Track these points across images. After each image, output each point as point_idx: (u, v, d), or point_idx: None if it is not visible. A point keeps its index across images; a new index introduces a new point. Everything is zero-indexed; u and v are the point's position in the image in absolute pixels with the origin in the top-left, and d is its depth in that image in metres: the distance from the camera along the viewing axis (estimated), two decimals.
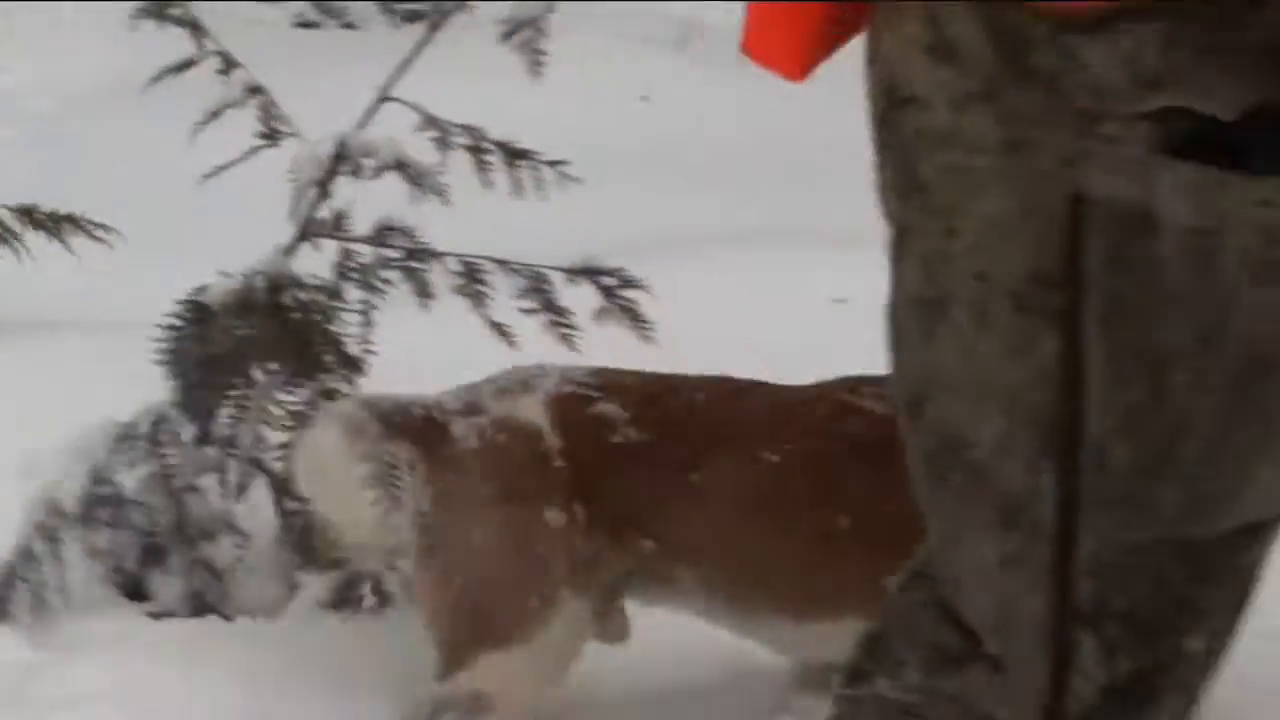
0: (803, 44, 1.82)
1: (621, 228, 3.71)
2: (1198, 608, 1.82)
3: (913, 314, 1.79)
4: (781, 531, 2.55)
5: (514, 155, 2.86)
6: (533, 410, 2.58)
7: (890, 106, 1.75)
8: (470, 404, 2.59)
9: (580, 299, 2.87)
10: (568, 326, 2.86)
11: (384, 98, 2.92)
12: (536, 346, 2.88)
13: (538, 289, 2.86)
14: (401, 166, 2.84)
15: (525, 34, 2.84)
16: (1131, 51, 1.59)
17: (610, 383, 2.61)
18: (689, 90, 5.60)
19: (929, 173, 1.73)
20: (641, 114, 5.43)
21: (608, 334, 2.88)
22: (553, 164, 2.87)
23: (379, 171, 2.86)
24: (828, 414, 2.58)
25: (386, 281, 2.88)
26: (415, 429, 2.59)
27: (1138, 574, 1.79)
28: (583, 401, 2.58)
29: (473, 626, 2.57)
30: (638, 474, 2.58)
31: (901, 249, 1.79)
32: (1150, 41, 1.58)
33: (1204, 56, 1.61)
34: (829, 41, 1.82)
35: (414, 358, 3.04)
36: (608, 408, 2.58)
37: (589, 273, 2.83)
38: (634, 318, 2.83)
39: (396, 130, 2.90)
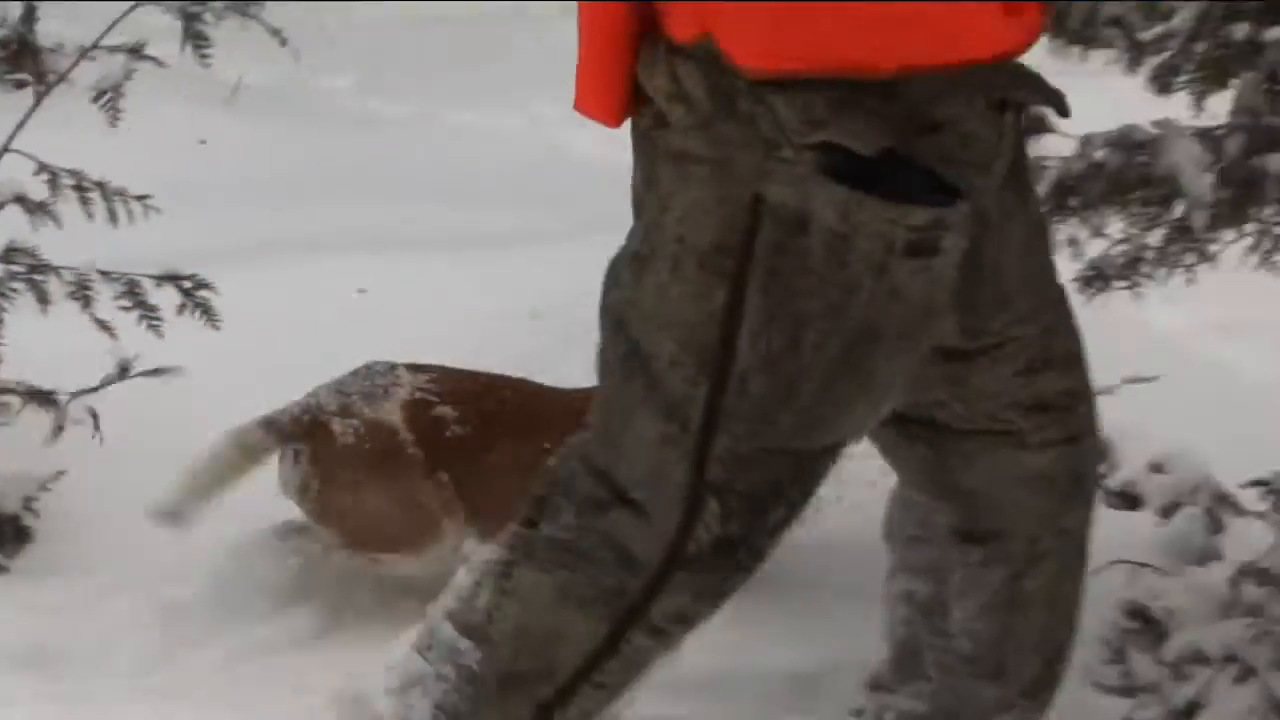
0: (614, 103, 2.02)
1: (194, 242, 3.98)
2: (788, 495, 2.08)
3: (630, 264, 2.02)
4: None
5: (109, 191, 3.19)
6: (392, 414, 2.95)
7: (653, 126, 1.97)
8: (344, 406, 2.96)
9: (166, 298, 3.17)
10: (156, 320, 3.17)
11: (4, 150, 3.26)
12: (133, 336, 3.18)
13: (132, 292, 3.18)
14: (21, 200, 3.17)
15: (109, 96, 3.17)
16: (805, 101, 1.84)
17: (446, 389, 3.01)
18: (237, 136, 5.80)
19: (663, 172, 1.97)
20: (201, 154, 5.62)
21: (187, 323, 3.16)
22: (139, 197, 3.20)
23: (2, 205, 3.18)
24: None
25: (14, 290, 3.18)
26: (304, 429, 2.95)
27: (756, 467, 2.02)
28: (427, 405, 2.98)
29: (373, 537, 3.00)
30: (459, 459, 2.98)
31: (635, 221, 2.04)
32: (818, 96, 1.84)
33: (853, 110, 1.84)
34: (628, 94, 2.01)
35: (35, 352, 3.27)
36: (443, 410, 2.98)
37: (171, 278, 3.16)
38: (206, 312, 3.17)
39: (18, 174, 3.19)
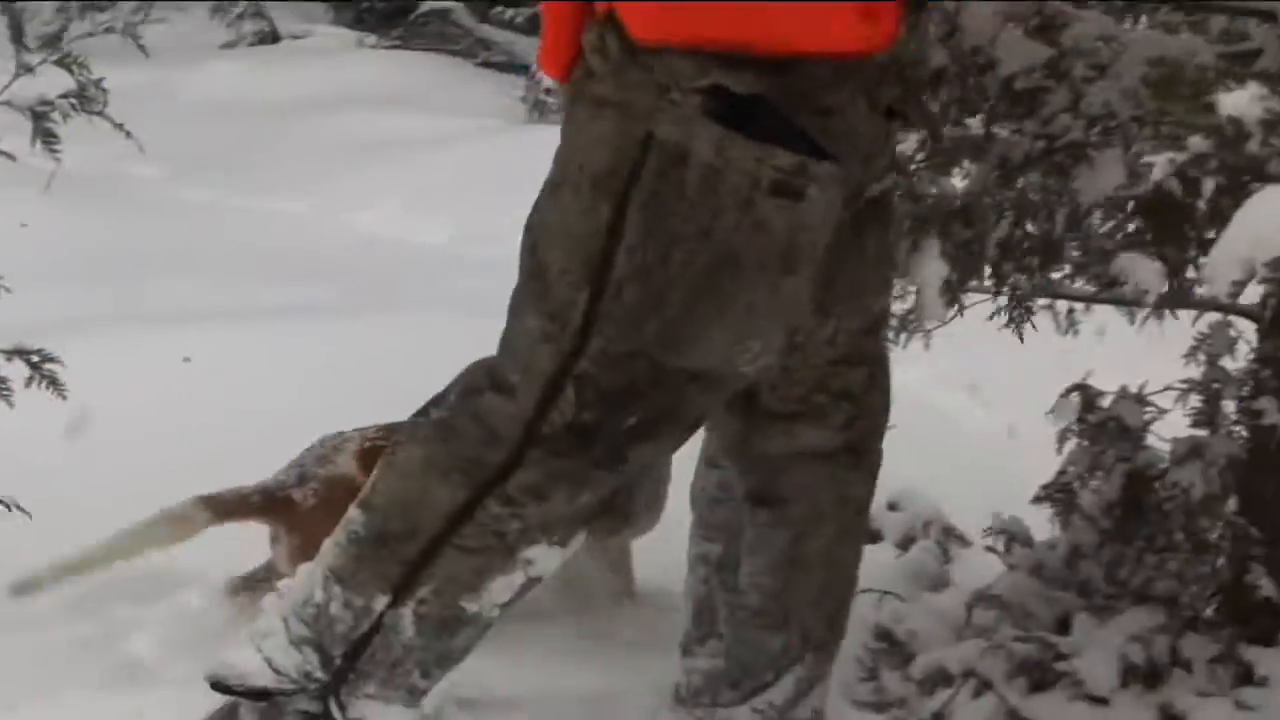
0: (563, 63, 2.22)
1: (22, 318, 3.72)
2: (646, 403, 2.19)
3: (547, 192, 2.20)
4: None
5: None
6: (346, 466, 2.95)
7: (582, 77, 2.16)
8: (301, 475, 2.95)
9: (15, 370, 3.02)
10: (6, 390, 3.01)
11: None
12: None
13: None
14: None
15: None
16: (700, 58, 2.03)
17: (388, 432, 2.94)
18: (56, 220, 5.87)
19: (581, 113, 2.15)
20: (24, 235, 5.66)
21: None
22: None
23: None
24: None
25: None
26: (266, 507, 2.94)
27: (619, 367, 2.15)
28: (376, 452, 2.81)
29: None
30: None
31: (554, 156, 2.21)
32: (713, 57, 2.03)
33: (741, 65, 2.03)
34: (573, 56, 2.20)
35: None
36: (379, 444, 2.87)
37: (19, 352, 3.05)
38: (54, 384, 3.03)
39: None
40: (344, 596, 2.33)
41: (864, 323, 2.43)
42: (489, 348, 3.18)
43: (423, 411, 2.44)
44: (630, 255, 2.10)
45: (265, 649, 2.39)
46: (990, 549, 3.33)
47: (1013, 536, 3.32)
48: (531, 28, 12.50)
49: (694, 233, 2.08)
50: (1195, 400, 2.78)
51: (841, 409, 2.44)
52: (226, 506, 2.94)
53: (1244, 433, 2.73)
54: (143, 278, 5.07)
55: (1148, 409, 2.87)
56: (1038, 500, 3.10)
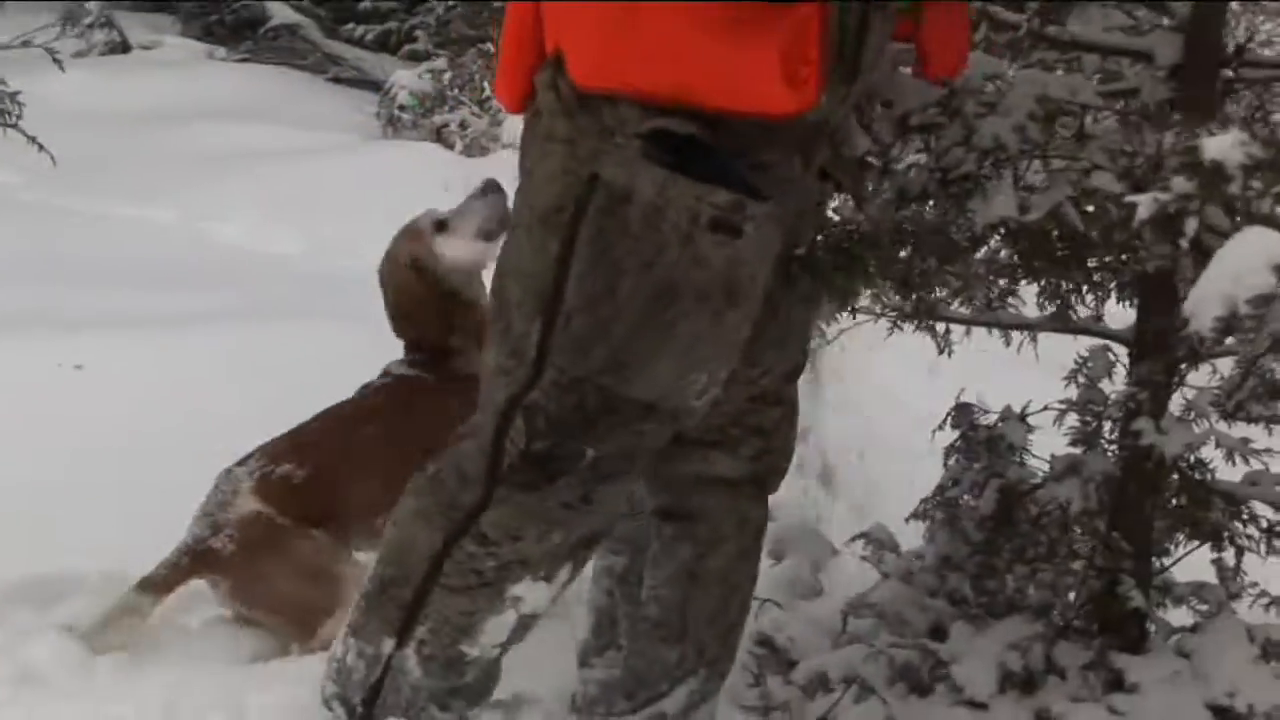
0: (515, 94, 2.25)
1: None
2: (599, 433, 2.19)
3: (510, 233, 2.24)
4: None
5: None
6: (248, 502, 2.98)
7: (533, 115, 2.18)
8: (213, 524, 2.96)
9: None
10: None
11: None
12: None
13: None
14: None
15: None
16: (642, 107, 2.04)
17: (271, 453, 3.05)
18: None
19: (533, 150, 2.16)
20: None
21: None
22: None
23: None
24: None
25: None
26: (195, 565, 2.94)
27: (568, 394, 2.16)
28: (268, 481, 3.00)
29: (304, 618, 2.98)
30: (316, 498, 3.03)
31: (514, 199, 2.23)
32: (653, 108, 2.03)
33: (682, 114, 2.04)
34: (529, 88, 2.21)
35: None
36: (282, 470, 3.03)
37: None
38: None
39: None
40: (358, 647, 2.39)
41: (786, 368, 2.50)
42: (369, 358, 3.29)
43: (423, 466, 2.39)
44: (579, 285, 2.12)
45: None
46: (865, 558, 3.36)
47: (883, 545, 3.36)
48: (380, 45, 12.41)
49: (638, 266, 2.09)
50: (1073, 420, 2.79)
51: (753, 443, 2.50)
52: (165, 581, 2.94)
53: (1117, 451, 2.76)
54: (17, 284, 4.88)
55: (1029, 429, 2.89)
56: (918, 516, 3.12)
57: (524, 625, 2.38)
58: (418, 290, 3.25)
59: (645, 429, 2.22)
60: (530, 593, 2.33)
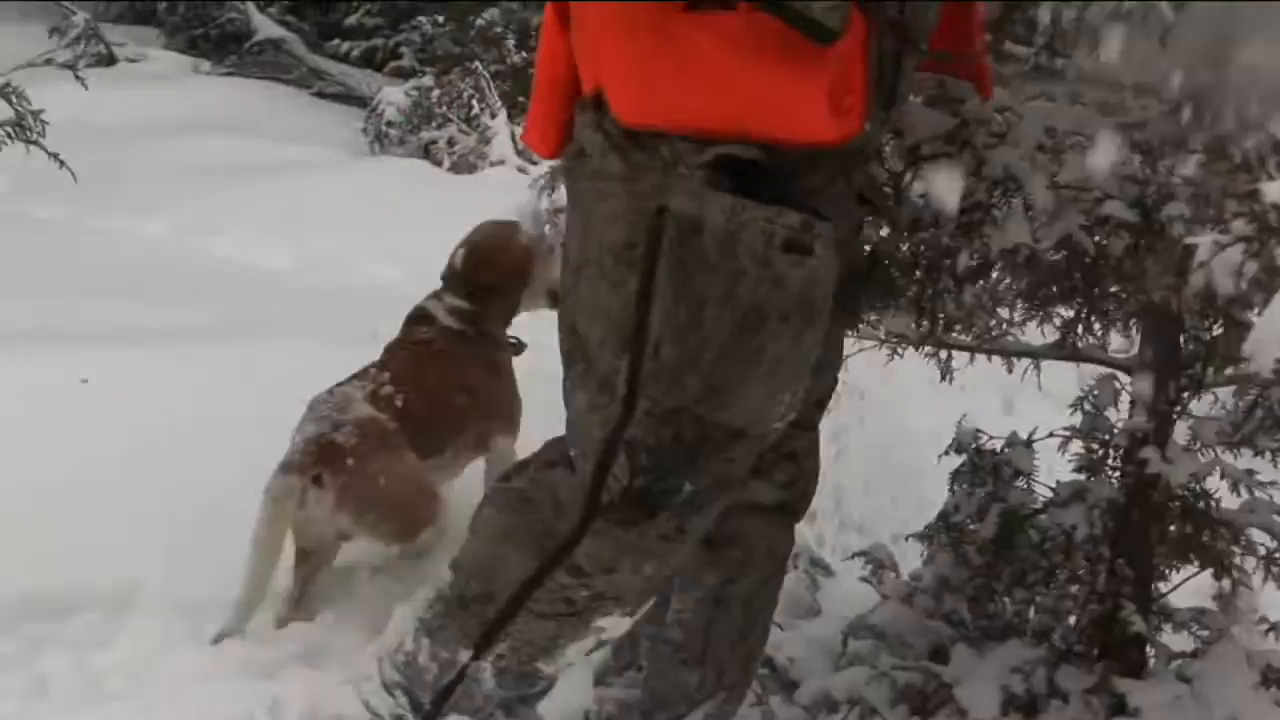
0: (550, 139, 2.29)
1: None
2: (696, 463, 2.17)
3: (570, 273, 2.22)
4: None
5: None
6: (365, 408, 3.14)
7: (573, 157, 2.19)
8: (334, 422, 3.08)
9: None
10: None
11: None
12: None
13: None
14: None
15: None
16: (696, 140, 2.04)
17: (372, 377, 3.24)
18: None
19: (584, 192, 2.17)
20: None
21: None
22: None
23: None
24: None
25: None
26: (324, 454, 3.04)
27: (665, 426, 2.14)
28: (375, 393, 3.18)
29: (408, 526, 3.17)
30: (412, 419, 3.18)
31: (567, 238, 2.25)
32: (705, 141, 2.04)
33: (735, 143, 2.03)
34: (568, 136, 2.25)
35: None
36: (385, 389, 3.22)
37: None
38: None
39: None
40: (431, 649, 2.43)
41: (820, 394, 2.49)
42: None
43: (505, 477, 2.45)
44: (664, 319, 2.10)
45: (363, 692, 2.51)
46: (864, 579, 3.35)
47: (882, 565, 3.35)
48: (366, 61, 12.35)
49: (720, 293, 2.08)
50: (1078, 446, 2.79)
51: (786, 469, 2.51)
52: (303, 463, 3.04)
53: (1121, 478, 2.76)
54: (14, 299, 4.81)
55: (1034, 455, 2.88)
56: (919, 538, 3.09)
57: (595, 649, 2.42)
58: (517, 270, 3.52)
59: (736, 454, 2.21)
60: (614, 626, 2.37)
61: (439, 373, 3.35)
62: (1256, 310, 1.50)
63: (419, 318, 3.48)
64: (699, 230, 2.06)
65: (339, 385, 3.24)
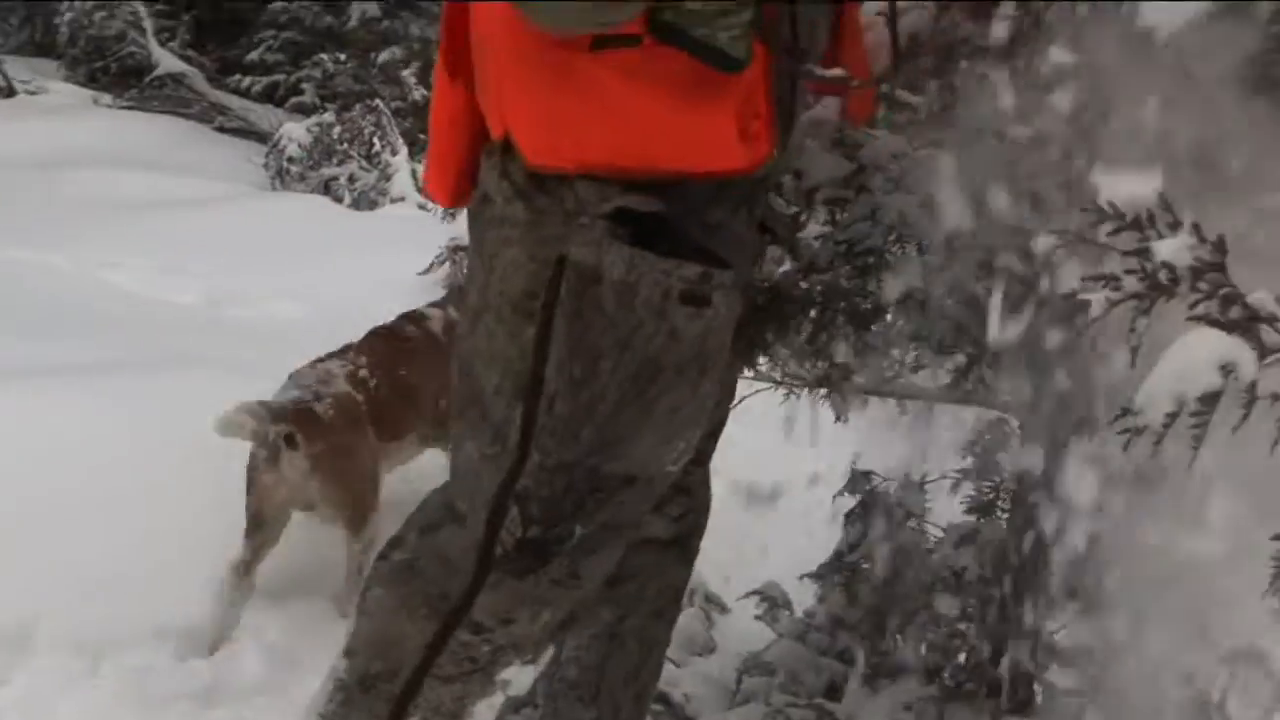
0: (448, 188, 2.26)
1: None
2: (588, 511, 2.13)
3: (468, 318, 2.17)
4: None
5: None
6: (345, 386, 3.32)
7: (477, 203, 2.14)
8: (316, 393, 3.23)
9: None
10: None
11: None
12: None
13: None
14: None
15: None
16: (601, 184, 2.01)
17: (352, 358, 3.45)
18: None
19: (488, 238, 2.12)
20: None
21: None
22: None
23: None
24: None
25: None
26: (299, 416, 3.19)
27: (558, 477, 2.09)
28: (354, 374, 3.38)
29: (363, 504, 3.31)
30: (376, 404, 3.39)
31: (467, 282, 2.20)
32: (613, 182, 2.01)
33: (639, 189, 2.01)
34: (466, 185, 2.21)
35: None
36: (362, 371, 3.43)
37: None
38: None
39: None
40: None
41: (712, 426, 2.45)
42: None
43: (383, 555, 2.33)
44: (560, 370, 2.07)
45: None
46: (759, 618, 3.33)
47: (776, 603, 3.34)
48: (267, 96, 12.24)
49: (615, 345, 2.05)
50: (969, 489, 2.79)
51: (680, 502, 2.48)
52: (275, 412, 3.16)
53: (1010, 520, 2.76)
54: None
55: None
56: (815, 576, 3.09)
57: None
58: None
59: (629, 500, 2.18)
60: (517, 675, 2.32)
61: (412, 368, 3.54)
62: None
63: (412, 317, 3.68)
64: (598, 280, 2.03)
65: (320, 361, 3.40)
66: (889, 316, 2.71)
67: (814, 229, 2.72)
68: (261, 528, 3.19)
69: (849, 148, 2.72)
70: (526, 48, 1.98)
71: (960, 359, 2.77)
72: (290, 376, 3.27)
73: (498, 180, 2.10)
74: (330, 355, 3.41)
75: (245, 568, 3.19)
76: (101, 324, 5.27)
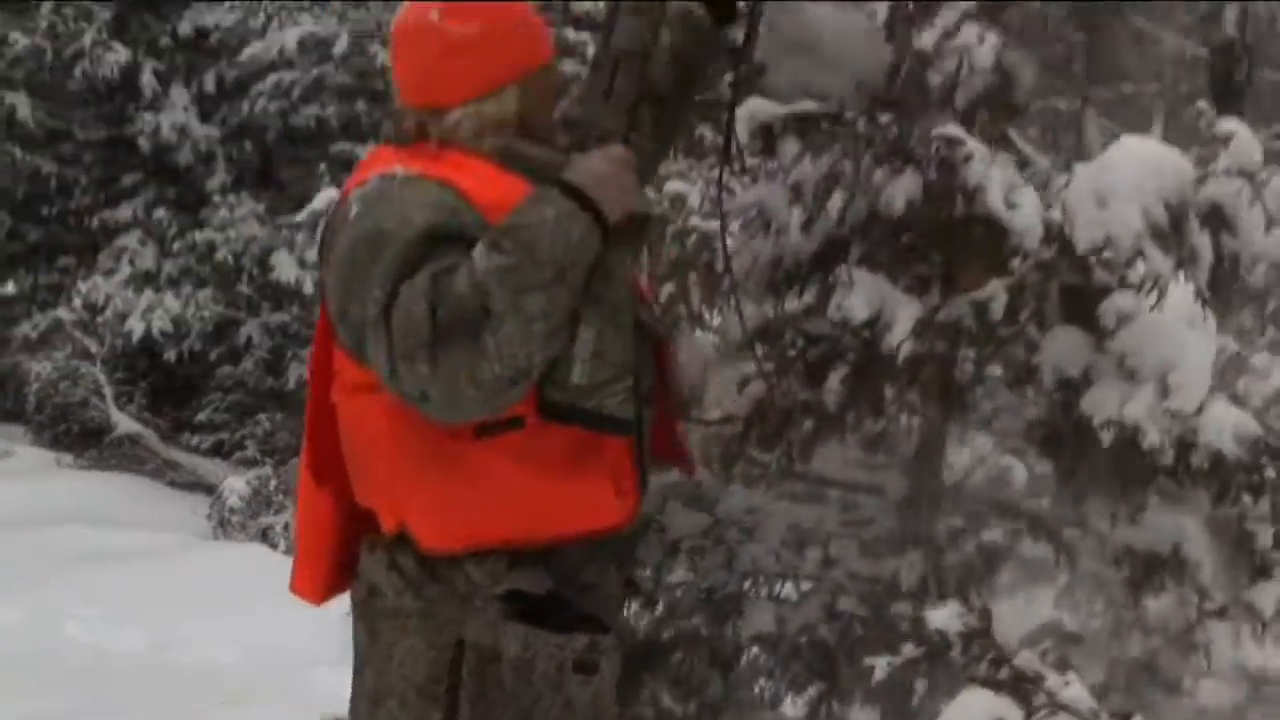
0: (320, 586, 2.19)
1: None
2: None
3: (367, 701, 2.10)
4: None
5: None
6: None
7: (365, 596, 2.10)
8: None
9: None
10: None
11: None
12: None
13: None
14: None
15: None
16: (490, 564, 2.01)
17: None
18: None
19: (383, 628, 2.07)
20: None
21: None
22: None
23: None
24: None
25: None
26: None
27: None
28: None
29: None
30: None
31: (363, 667, 2.12)
32: (500, 559, 2.01)
33: (525, 567, 2.00)
34: (338, 581, 2.17)
35: None
36: None
37: None
38: None
39: None
40: None
41: None
42: None
43: None
44: None
45: None
46: None
47: None
48: (215, 451, 12.31)
49: (516, 717, 2.03)
50: None
51: None
52: None
53: None
54: None
55: None
56: None
57: None
58: None
59: None
60: None
61: None
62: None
63: None
64: (496, 659, 2.02)
65: None
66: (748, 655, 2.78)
67: (678, 575, 2.81)
68: None
69: (707, 503, 2.84)
70: (417, 443, 2.01)
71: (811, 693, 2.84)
72: None
73: (385, 572, 2.09)
74: None
75: None
76: (51, 676, 5.19)
